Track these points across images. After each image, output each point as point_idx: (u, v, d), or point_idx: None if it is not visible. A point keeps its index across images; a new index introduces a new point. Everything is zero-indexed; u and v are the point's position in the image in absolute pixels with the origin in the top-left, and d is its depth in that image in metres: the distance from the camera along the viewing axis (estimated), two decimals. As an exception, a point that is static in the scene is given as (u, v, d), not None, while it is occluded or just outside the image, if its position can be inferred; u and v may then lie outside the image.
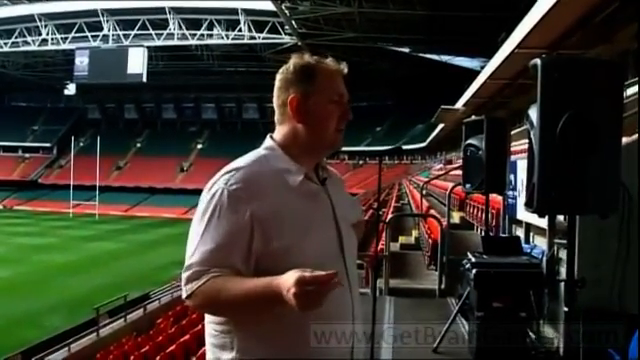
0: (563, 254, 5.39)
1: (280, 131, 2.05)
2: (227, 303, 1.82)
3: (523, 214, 7.20)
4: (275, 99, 2.06)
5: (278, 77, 2.06)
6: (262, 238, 1.88)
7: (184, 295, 1.89)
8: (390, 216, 17.57)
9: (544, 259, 5.82)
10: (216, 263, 1.85)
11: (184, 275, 1.87)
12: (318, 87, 2.01)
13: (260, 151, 2.03)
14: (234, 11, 59.17)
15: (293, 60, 2.05)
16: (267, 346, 1.89)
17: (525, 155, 3.94)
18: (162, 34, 63.36)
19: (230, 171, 1.93)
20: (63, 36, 65.82)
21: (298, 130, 2.02)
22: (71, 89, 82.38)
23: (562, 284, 4.42)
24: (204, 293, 1.84)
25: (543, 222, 6.04)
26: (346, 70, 2.07)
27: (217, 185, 1.91)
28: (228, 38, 61.56)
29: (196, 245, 1.88)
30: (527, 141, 3.50)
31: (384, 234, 10.70)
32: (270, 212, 1.89)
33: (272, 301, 1.74)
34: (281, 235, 1.89)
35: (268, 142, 2.06)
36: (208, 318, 1.98)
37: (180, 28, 62.38)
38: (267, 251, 1.88)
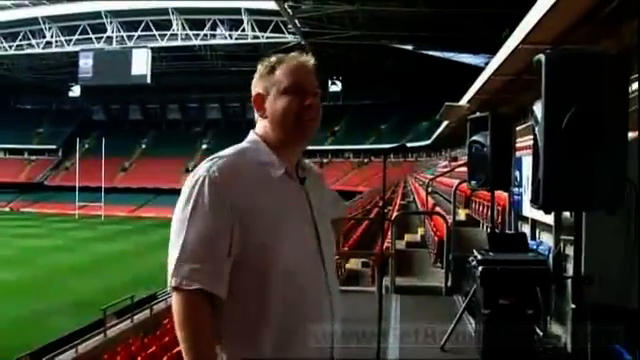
0: (570, 250, 5.36)
1: (257, 127, 2.10)
2: (189, 333, 1.84)
3: (529, 211, 7.17)
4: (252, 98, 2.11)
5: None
6: (240, 229, 1.89)
7: (172, 284, 1.87)
8: (396, 214, 17.55)
9: (551, 256, 5.79)
10: (205, 257, 1.86)
11: (173, 265, 1.87)
12: (275, 82, 2.03)
13: (243, 144, 2.06)
14: (237, 11, 59.24)
15: (260, 61, 2.11)
16: (254, 348, 1.90)
17: (531, 151, 3.91)
18: (165, 35, 63.52)
19: (213, 159, 1.96)
20: (67, 38, 66.10)
21: (267, 125, 2.06)
22: (76, 91, 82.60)
23: (569, 281, 4.40)
24: (188, 304, 1.85)
25: (549, 218, 6.01)
26: (312, 62, 2.08)
27: (200, 172, 1.93)
28: (232, 38, 61.66)
29: (184, 236, 1.88)
30: (532, 137, 3.48)
31: (390, 232, 10.66)
32: (248, 204, 1.90)
33: None
34: (257, 228, 1.90)
35: (251, 135, 2.09)
36: None
37: (183, 29, 62.53)
38: (245, 243, 1.90)
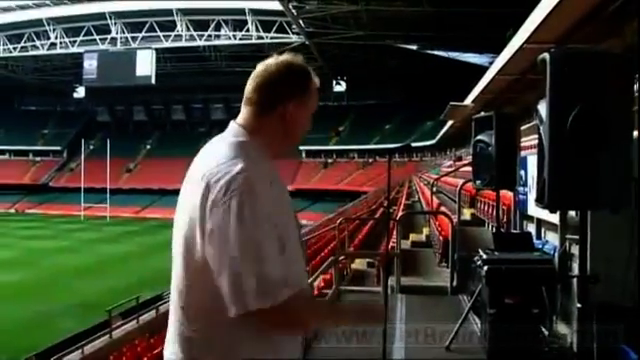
0: (575, 250, 5.36)
1: (256, 124, 2.03)
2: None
3: (534, 210, 7.17)
4: (261, 90, 2.03)
5: (276, 71, 2.03)
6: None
7: (273, 303, 1.83)
8: (401, 214, 17.54)
9: (556, 255, 5.79)
10: (282, 261, 1.87)
11: (269, 284, 1.82)
12: (309, 98, 2.06)
13: (236, 142, 1.98)
14: (241, 11, 59.27)
15: (293, 59, 2.05)
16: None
17: (535, 151, 3.91)
18: (170, 36, 63.56)
19: (240, 172, 1.86)
20: (71, 39, 66.18)
21: (277, 132, 2.04)
22: (80, 92, 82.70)
23: (575, 280, 4.39)
24: (296, 305, 1.88)
25: (555, 218, 6.01)
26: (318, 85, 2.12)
27: (240, 183, 1.84)
28: (236, 38, 61.70)
29: (264, 254, 1.83)
30: (537, 136, 3.48)
31: (395, 232, 10.66)
32: (276, 210, 1.91)
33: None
34: (283, 231, 1.93)
35: (238, 129, 2.03)
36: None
37: (188, 29, 62.55)
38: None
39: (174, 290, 1.99)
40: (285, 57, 2.06)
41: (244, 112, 2.06)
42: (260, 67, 2.05)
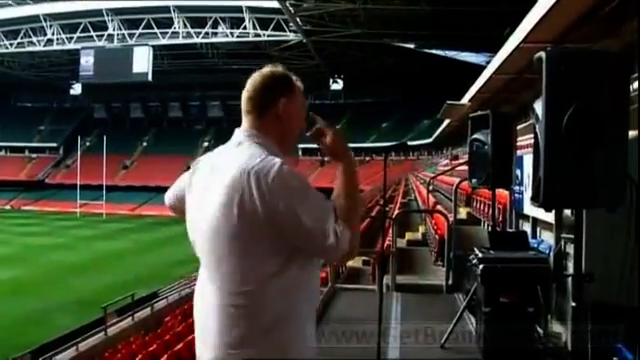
0: (570, 249, 5.36)
1: (260, 127, 2.27)
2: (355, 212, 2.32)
3: (530, 209, 7.17)
4: (253, 99, 2.29)
5: (261, 79, 2.29)
6: None
7: (344, 247, 2.14)
8: (397, 212, 17.56)
9: (551, 254, 5.79)
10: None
11: (334, 239, 2.12)
12: (296, 97, 2.30)
13: (261, 144, 2.21)
14: (239, 9, 59.18)
15: (274, 68, 2.31)
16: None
17: (532, 150, 3.91)
18: (167, 33, 63.46)
19: (282, 164, 2.11)
20: (68, 36, 66.02)
21: (277, 130, 2.27)
22: (77, 89, 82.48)
23: (570, 279, 4.40)
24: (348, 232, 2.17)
25: (550, 217, 6.01)
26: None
27: (288, 171, 2.10)
28: (233, 36, 61.62)
29: (330, 214, 2.17)
30: (533, 135, 3.48)
31: (391, 230, 10.67)
32: None
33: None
34: None
35: (256, 135, 2.25)
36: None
37: (185, 27, 62.46)
38: None
39: (215, 280, 2.15)
40: (267, 68, 2.32)
41: (245, 121, 2.30)
42: (248, 82, 2.33)
